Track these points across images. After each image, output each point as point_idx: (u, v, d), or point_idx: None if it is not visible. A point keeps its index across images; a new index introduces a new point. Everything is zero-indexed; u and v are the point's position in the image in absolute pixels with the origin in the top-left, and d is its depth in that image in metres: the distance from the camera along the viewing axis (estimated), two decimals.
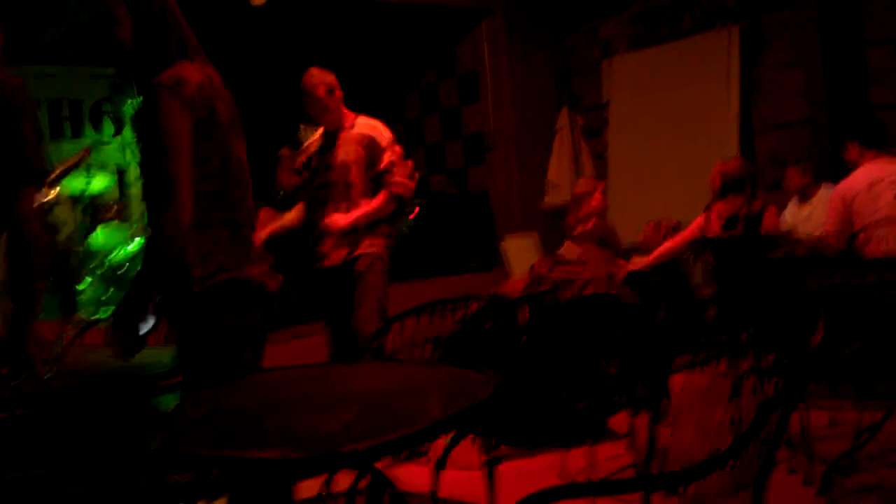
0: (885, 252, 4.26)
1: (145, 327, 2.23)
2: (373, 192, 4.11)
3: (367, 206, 4.07)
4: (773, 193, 6.31)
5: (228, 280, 2.26)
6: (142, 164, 2.31)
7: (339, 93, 4.17)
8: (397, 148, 4.16)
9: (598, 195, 5.49)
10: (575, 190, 5.73)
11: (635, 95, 7.92)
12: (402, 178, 4.09)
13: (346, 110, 4.22)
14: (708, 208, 4.98)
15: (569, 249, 4.85)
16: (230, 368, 2.22)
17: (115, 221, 6.98)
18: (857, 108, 6.48)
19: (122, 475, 1.35)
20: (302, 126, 6.50)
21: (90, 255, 6.86)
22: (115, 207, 7.02)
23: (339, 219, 4.05)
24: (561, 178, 8.49)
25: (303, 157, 4.34)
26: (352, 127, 4.17)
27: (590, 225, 5.32)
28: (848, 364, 2.94)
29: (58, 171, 6.02)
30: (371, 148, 4.10)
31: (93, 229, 6.91)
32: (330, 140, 4.19)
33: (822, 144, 6.58)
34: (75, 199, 7.51)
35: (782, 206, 5.88)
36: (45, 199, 5.86)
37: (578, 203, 5.54)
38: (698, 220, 5.02)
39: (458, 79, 8.97)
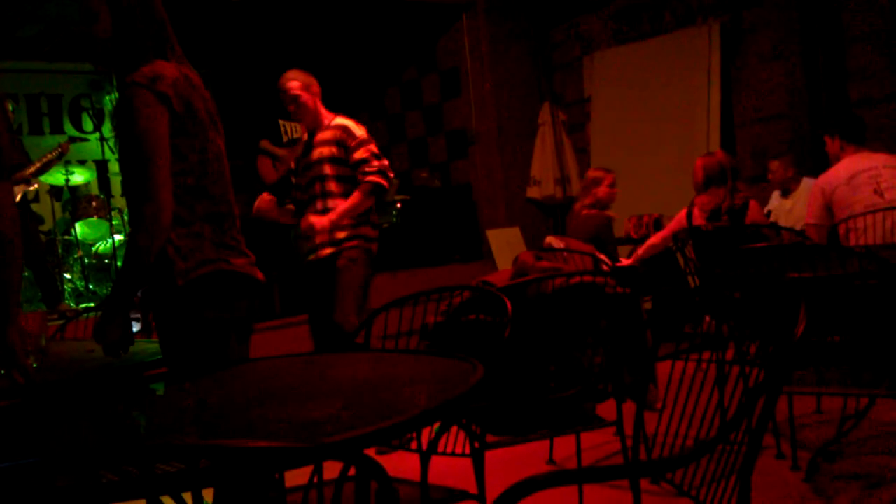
0: (865, 243, 4.32)
1: (132, 325, 2.24)
2: (348, 189, 4.15)
3: (344, 204, 4.11)
4: (754, 187, 6.37)
5: (212, 272, 2.26)
6: (120, 161, 2.30)
7: (315, 89, 4.24)
8: (371, 146, 4.21)
9: (604, 186, 5.51)
10: (586, 176, 5.76)
11: (617, 90, 7.95)
12: (376, 171, 4.11)
13: (324, 110, 4.29)
14: (692, 202, 5.02)
15: (551, 243, 4.86)
16: (215, 359, 2.22)
17: (96, 217, 6.93)
18: (836, 103, 6.54)
19: (109, 466, 1.34)
20: (281, 121, 6.50)
21: (73, 247, 6.82)
22: (95, 202, 6.97)
23: (317, 220, 4.09)
24: (543, 172, 8.53)
25: (292, 163, 4.39)
26: (328, 126, 4.24)
27: (592, 213, 5.35)
28: (832, 352, 2.98)
29: (37, 165, 5.98)
30: (342, 144, 4.16)
31: (73, 223, 6.86)
32: (310, 139, 4.28)
33: (801, 138, 6.64)
34: (55, 194, 7.46)
35: (764, 200, 5.94)
36: (26, 191, 5.83)
37: (587, 190, 5.57)
38: (681, 214, 5.06)
39: (440, 74, 8.97)
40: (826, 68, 6.60)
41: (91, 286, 6.76)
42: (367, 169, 4.13)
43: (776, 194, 6.11)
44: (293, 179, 4.39)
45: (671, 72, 7.44)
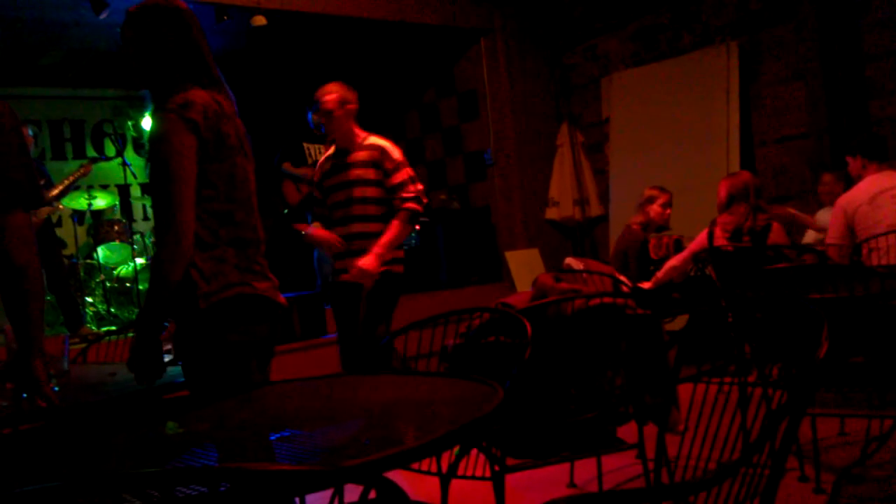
0: (888, 263, 4.28)
1: (163, 353, 2.25)
2: (384, 210, 4.11)
3: (388, 235, 4.04)
4: (774, 207, 6.32)
5: (235, 296, 2.27)
6: (150, 185, 2.33)
7: (351, 107, 4.16)
8: (409, 169, 4.14)
9: (657, 205, 5.50)
10: (642, 193, 5.76)
11: (635, 112, 7.95)
12: (413, 196, 4.08)
13: (357, 129, 4.20)
14: (713, 222, 4.99)
15: (570, 264, 4.85)
16: (237, 382, 2.22)
17: (117, 240, 6.98)
18: (856, 122, 6.50)
19: (131, 489, 1.35)
20: (305, 144, 6.54)
21: (95, 270, 6.87)
22: (117, 226, 7.03)
23: (366, 264, 3.99)
24: (562, 193, 8.52)
25: (316, 176, 4.34)
26: (362, 145, 4.15)
27: (632, 229, 5.33)
28: (856, 373, 2.94)
29: (59, 189, 6.05)
30: (380, 166, 4.09)
31: (95, 247, 6.92)
32: (340, 157, 4.18)
33: (822, 158, 6.60)
34: (78, 218, 7.53)
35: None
36: (50, 214, 5.89)
37: (640, 208, 5.57)
38: (702, 235, 5.03)
39: (458, 97, 9.01)
40: (846, 87, 6.57)
41: (112, 309, 6.81)
42: (404, 195, 4.07)
43: (825, 208, 6.01)
44: (317, 194, 4.35)
45: (690, 92, 7.43)
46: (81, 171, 6.28)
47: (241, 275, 2.30)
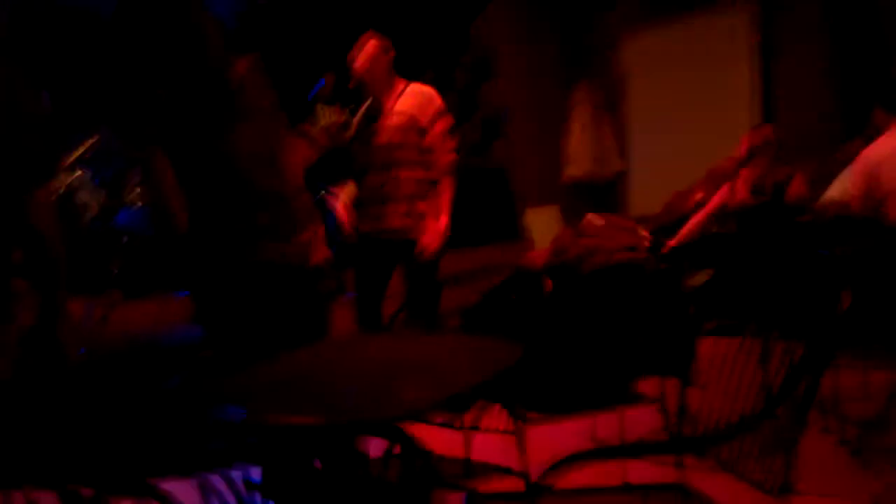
0: None
1: None
2: (425, 157, 4.04)
3: (445, 199, 3.99)
4: (799, 161, 6.25)
5: (257, 261, 2.29)
6: None
7: (392, 54, 4.14)
8: (448, 118, 4.08)
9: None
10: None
11: (653, 71, 7.87)
12: (450, 152, 4.03)
13: (397, 77, 4.15)
14: (735, 177, 4.94)
15: (591, 220, 4.82)
16: (266, 345, 2.25)
17: (139, 202, 7.01)
18: (880, 76, 6.39)
19: (161, 443, 1.37)
20: (319, 105, 6.50)
21: (116, 234, 6.90)
22: (139, 189, 7.05)
23: (435, 231, 3.94)
24: (580, 151, 8.46)
25: (353, 129, 4.24)
26: (404, 92, 4.11)
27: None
28: (878, 327, 2.93)
29: (76, 155, 6.07)
30: (421, 113, 4.04)
31: (115, 211, 6.95)
32: (381, 105, 4.12)
33: (843, 114, 6.52)
34: (98, 180, 7.56)
35: (807, 175, 5.80)
36: (68, 182, 5.92)
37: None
38: (723, 189, 4.99)
39: (475, 57, 8.94)
40: (866, 45, 6.46)
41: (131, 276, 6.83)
42: (447, 144, 4.03)
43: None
44: (354, 147, 4.23)
45: (709, 50, 7.34)
46: (97, 136, 6.29)
47: (264, 239, 2.33)
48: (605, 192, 8.61)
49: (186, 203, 2.29)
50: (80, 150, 6.13)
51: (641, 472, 2.84)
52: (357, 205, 4.18)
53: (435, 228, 3.94)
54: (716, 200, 5.06)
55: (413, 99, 4.08)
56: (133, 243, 6.84)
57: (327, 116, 6.58)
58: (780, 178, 4.69)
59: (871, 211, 4.54)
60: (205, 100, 2.30)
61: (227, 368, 2.09)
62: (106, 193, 7.39)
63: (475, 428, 2.08)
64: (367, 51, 4.08)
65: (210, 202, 2.32)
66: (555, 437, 3.23)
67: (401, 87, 4.13)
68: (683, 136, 7.37)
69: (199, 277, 2.35)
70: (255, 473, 1.99)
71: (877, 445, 3.30)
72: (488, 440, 2.39)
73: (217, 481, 1.75)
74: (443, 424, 2.42)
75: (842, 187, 5.57)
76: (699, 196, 5.58)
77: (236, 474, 1.77)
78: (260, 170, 2.42)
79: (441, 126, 4.04)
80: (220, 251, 2.28)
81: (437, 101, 4.10)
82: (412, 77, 4.26)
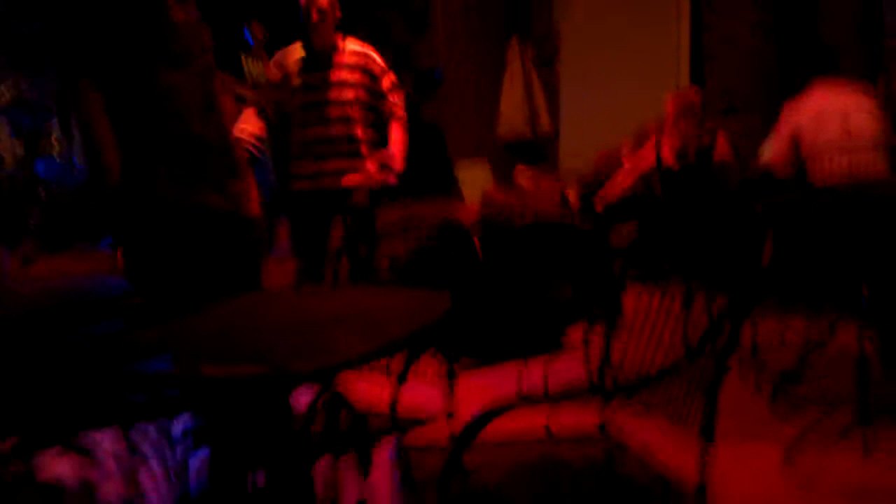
0: (830, 179, 4.35)
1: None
2: (366, 114, 4.05)
3: (398, 145, 4.02)
4: (725, 120, 6.36)
5: (193, 207, 2.26)
6: None
7: (339, 13, 4.11)
8: (392, 74, 4.12)
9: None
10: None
11: (586, 25, 7.89)
12: (399, 107, 4.07)
13: (338, 33, 4.12)
14: (659, 140, 5.01)
15: (520, 178, 4.86)
16: (198, 295, 2.23)
17: (57, 155, 6.81)
18: (807, 38, 6.52)
19: (83, 396, 1.34)
20: (243, 56, 6.35)
21: (35, 185, 6.70)
22: (56, 141, 6.84)
23: (396, 158, 3.98)
24: (512, 110, 8.46)
25: (276, 76, 4.15)
26: (346, 49, 4.08)
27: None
28: (797, 280, 3.03)
29: None
30: (367, 71, 4.05)
31: (33, 161, 6.74)
32: (320, 59, 4.07)
33: (771, 73, 6.64)
34: (14, 132, 7.31)
35: (732, 133, 5.92)
36: None
37: None
38: (650, 153, 5.03)
39: (409, 11, 8.84)
40: (796, 5, 6.58)
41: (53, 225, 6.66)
42: (394, 99, 4.06)
43: None
44: (279, 97, 4.16)
45: (641, 6, 7.38)
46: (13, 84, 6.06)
47: (189, 186, 2.29)
48: (536, 150, 8.65)
49: (119, 150, 2.24)
50: None
51: (568, 419, 2.90)
52: (297, 158, 4.13)
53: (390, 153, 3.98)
54: (642, 166, 5.12)
55: (357, 55, 4.08)
56: (51, 195, 6.65)
57: (255, 70, 6.44)
58: (705, 141, 4.77)
59: (792, 174, 4.66)
60: (141, 41, 2.25)
61: (157, 318, 2.07)
62: (23, 144, 7.15)
63: (404, 378, 2.10)
64: (321, 5, 4.02)
65: (144, 147, 2.28)
66: (483, 386, 3.28)
67: (341, 42, 4.11)
68: (615, 95, 7.44)
69: (131, 225, 2.30)
70: (187, 421, 1.97)
71: (792, 393, 3.43)
72: (417, 390, 2.41)
73: (148, 429, 1.72)
74: (371, 375, 2.43)
75: (769, 150, 5.71)
76: (625, 157, 5.66)
77: (170, 423, 1.76)
78: (196, 116, 2.38)
79: (387, 83, 4.08)
80: (154, 197, 2.24)
81: (379, 59, 4.13)
82: (346, 31, 4.21)
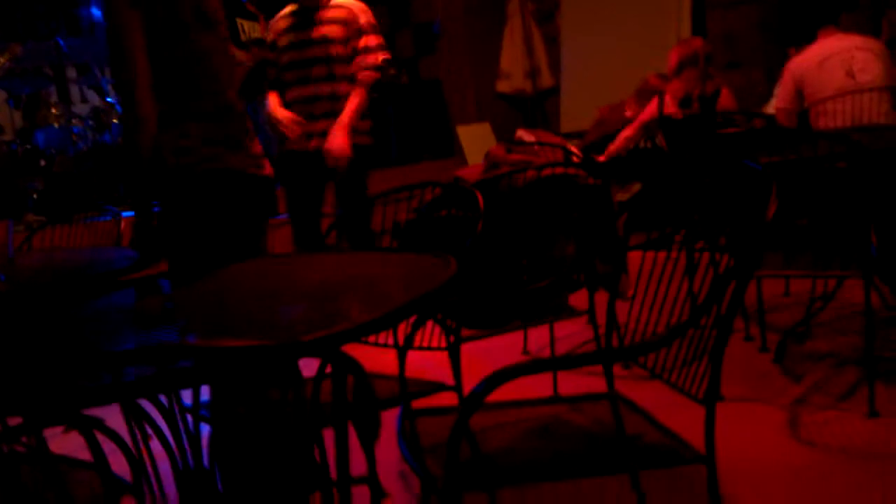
0: (836, 127, 4.31)
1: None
2: (346, 74, 3.96)
3: (348, 109, 3.90)
4: (728, 73, 6.31)
5: (206, 171, 2.26)
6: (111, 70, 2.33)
7: None
8: (377, 35, 3.99)
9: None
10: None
11: None
12: (370, 66, 3.94)
13: None
14: (663, 90, 4.97)
15: (522, 136, 4.83)
16: (228, 256, 2.25)
17: (56, 123, 6.77)
18: None
19: (84, 370, 1.34)
20: (238, 20, 6.27)
21: (35, 156, 6.68)
22: (55, 109, 6.80)
23: (339, 145, 3.85)
24: (513, 65, 8.39)
25: (270, 36, 4.10)
26: (331, 3, 3.98)
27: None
28: (801, 235, 3.01)
29: None
30: (350, 26, 3.94)
31: (33, 130, 6.71)
32: (305, 15, 3.99)
33: (773, 21, 6.56)
34: (13, 101, 7.27)
35: (735, 86, 5.88)
36: None
37: None
38: (652, 103, 5.02)
39: None
40: None
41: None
42: (368, 60, 3.93)
43: None
44: (269, 55, 4.12)
45: None
46: (10, 52, 6.01)
47: (211, 150, 2.29)
48: (536, 107, 8.59)
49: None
50: None
51: (571, 382, 2.92)
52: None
53: (333, 138, 3.88)
54: (644, 116, 5.09)
55: (342, 9, 3.97)
56: (51, 165, 6.62)
57: (247, 31, 6.35)
58: (709, 91, 4.73)
59: (796, 123, 4.62)
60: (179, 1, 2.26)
61: (155, 289, 2.07)
62: (21, 114, 7.11)
63: (411, 344, 2.10)
64: None
65: (179, 105, 2.28)
66: (488, 351, 3.30)
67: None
68: (616, 49, 7.35)
69: (159, 185, 2.31)
70: (187, 397, 1.98)
71: (797, 351, 3.44)
72: (422, 357, 2.41)
73: (148, 406, 1.73)
74: (377, 343, 2.43)
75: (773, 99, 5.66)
76: (629, 112, 5.61)
77: (181, 394, 1.77)
78: (225, 77, 2.40)
79: (366, 41, 3.95)
80: (185, 157, 2.26)
81: (366, 15, 4.00)
82: None
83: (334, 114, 3.92)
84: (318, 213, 4.08)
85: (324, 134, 3.92)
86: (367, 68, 3.94)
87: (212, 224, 2.30)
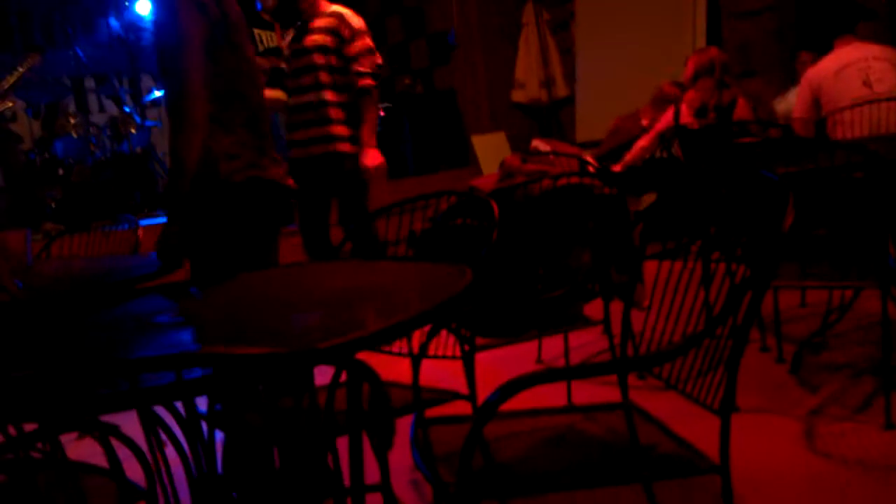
0: (853, 136, 4.30)
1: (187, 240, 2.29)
2: (338, 79, 3.99)
3: (368, 123, 3.95)
4: (743, 82, 6.29)
5: (252, 179, 2.33)
6: (160, 68, 2.35)
7: None
8: (367, 39, 4.00)
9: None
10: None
11: None
12: (368, 72, 3.96)
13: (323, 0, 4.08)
14: (679, 100, 4.96)
15: (537, 146, 4.83)
16: (244, 263, 2.28)
17: (74, 133, 6.82)
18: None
19: (102, 377, 1.35)
20: (256, 31, 6.32)
21: (54, 165, 6.74)
22: (73, 119, 6.85)
23: (375, 160, 3.92)
24: (528, 75, 8.40)
25: (286, 49, 4.17)
26: (324, 13, 4.02)
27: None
28: (818, 246, 2.99)
29: (10, 81, 5.85)
30: (338, 34, 3.96)
31: (51, 140, 6.76)
32: (303, 26, 4.06)
33: (789, 30, 6.54)
34: (32, 111, 7.33)
35: (751, 96, 5.86)
36: (4, 110, 5.72)
37: None
38: (668, 113, 5.01)
39: None
40: None
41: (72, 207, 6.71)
42: (359, 68, 3.94)
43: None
44: (284, 66, 4.19)
45: None
46: (30, 61, 6.06)
47: (258, 158, 2.36)
48: (551, 117, 8.59)
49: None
50: (11, 80, 5.90)
51: (586, 392, 2.91)
52: (289, 126, 4.15)
53: (365, 157, 3.94)
54: (660, 125, 5.08)
55: (331, 17, 4.00)
56: (69, 175, 6.68)
57: (265, 41, 6.41)
58: (725, 100, 4.72)
59: (813, 133, 4.61)
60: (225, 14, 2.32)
61: (170, 296, 2.08)
62: (40, 124, 7.17)
63: (423, 354, 2.10)
64: None
65: (226, 120, 2.32)
66: (503, 360, 3.29)
67: (324, 5, 4.07)
68: (631, 56, 7.35)
69: (204, 193, 2.33)
70: (201, 404, 1.98)
71: (813, 362, 3.41)
72: (437, 366, 2.41)
73: (163, 413, 1.74)
74: (391, 352, 2.44)
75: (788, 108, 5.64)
76: (644, 121, 5.60)
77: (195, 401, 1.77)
78: (258, 86, 2.48)
79: (356, 48, 3.96)
80: (234, 166, 2.30)
81: (354, 20, 4.01)
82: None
83: (319, 122, 3.96)
84: (325, 223, 4.11)
85: (316, 140, 3.98)
86: (362, 75, 3.96)
87: (242, 231, 2.35)
